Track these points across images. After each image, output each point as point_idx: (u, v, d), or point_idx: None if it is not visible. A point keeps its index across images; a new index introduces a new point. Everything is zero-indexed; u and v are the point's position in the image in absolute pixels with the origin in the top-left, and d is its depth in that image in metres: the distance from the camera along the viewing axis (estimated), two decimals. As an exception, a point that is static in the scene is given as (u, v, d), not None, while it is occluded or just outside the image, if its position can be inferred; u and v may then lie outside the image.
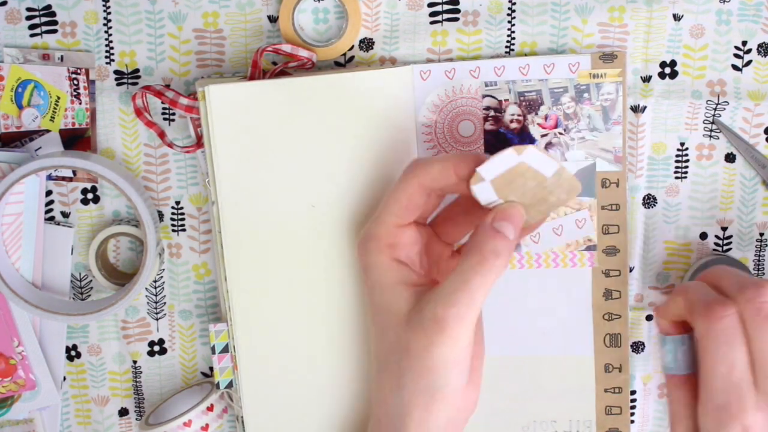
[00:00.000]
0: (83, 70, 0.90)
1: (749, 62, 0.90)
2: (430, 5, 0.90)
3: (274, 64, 0.90)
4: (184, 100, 0.88)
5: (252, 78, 0.88)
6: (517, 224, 0.75)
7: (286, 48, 0.87)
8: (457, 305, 0.73)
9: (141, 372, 0.96)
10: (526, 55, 0.90)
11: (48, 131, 0.91)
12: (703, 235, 0.92)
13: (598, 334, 0.92)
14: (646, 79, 0.90)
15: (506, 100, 0.89)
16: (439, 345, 0.73)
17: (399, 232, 0.79)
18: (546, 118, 0.89)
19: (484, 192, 0.76)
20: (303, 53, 0.88)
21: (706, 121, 0.90)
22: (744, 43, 0.90)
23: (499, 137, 0.90)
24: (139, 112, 0.89)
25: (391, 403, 0.77)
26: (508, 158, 0.75)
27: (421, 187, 0.78)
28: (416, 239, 0.81)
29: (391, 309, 0.78)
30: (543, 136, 0.89)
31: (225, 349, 0.91)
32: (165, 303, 0.95)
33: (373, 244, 0.79)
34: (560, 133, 0.89)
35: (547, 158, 0.74)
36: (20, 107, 0.91)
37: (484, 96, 0.89)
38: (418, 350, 0.74)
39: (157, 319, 0.95)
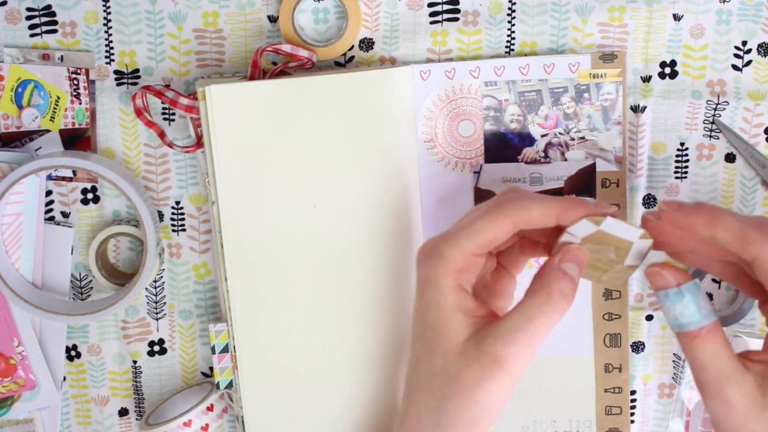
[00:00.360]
0: (83, 70, 0.90)
1: (749, 62, 0.90)
2: (430, 5, 0.90)
3: (274, 64, 0.90)
4: (184, 100, 0.88)
5: (252, 78, 0.88)
6: (581, 267, 0.75)
7: (286, 48, 0.87)
8: (517, 344, 0.72)
9: (141, 372, 0.96)
10: (526, 55, 0.90)
11: (48, 131, 0.91)
12: (703, 236, 0.92)
13: (598, 334, 0.92)
14: (646, 79, 0.90)
15: (506, 100, 0.89)
16: (493, 381, 0.72)
17: (471, 261, 0.76)
18: (546, 118, 0.89)
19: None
20: (303, 53, 0.88)
21: (706, 121, 0.91)
22: (744, 43, 0.90)
23: (499, 137, 0.90)
24: (139, 112, 0.89)
25: (425, 422, 0.76)
26: (606, 225, 0.73)
27: (514, 226, 0.75)
28: (481, 268, 0.79)
29: (445, 334, 0.75)
30: (543, 136, 0.90)
31: (225, 349, 0.91)
32: (165, 303, 0.95)
33: (442, 264, 0.75)
34: (560, 133, 0.89)
35: (633, 229, 0.73)
36: (20, 107, 0.91)
37: (484, 96, 0.89)
38: (469, 382, 0.73)
39: (157, 319, 0.95)
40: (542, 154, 0.90)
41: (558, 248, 0.75)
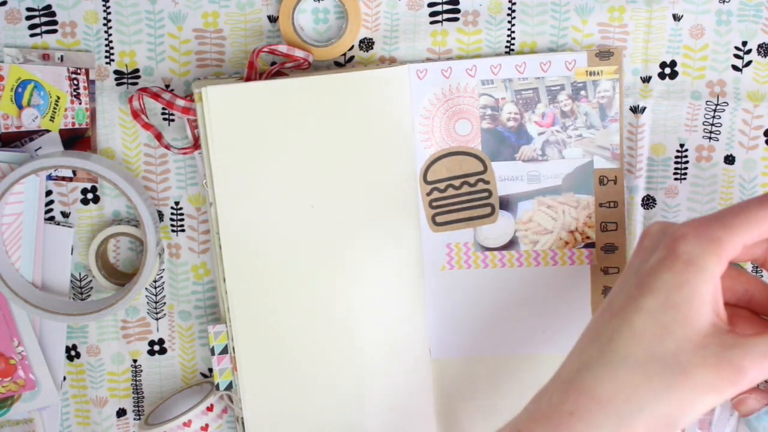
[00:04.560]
0: (83, 70, 0.91)
1: (749, 62, 0.90)
2: (430, 5, 0.90)
3: (273, 64, 0.90)
4: (180, 102, 0.88)
5: (249, 79, 0.88)
6: None
7: (282, 48, 0.87)
8: (763, 369, 0.66)
9: (141, 371, 0.96)
10: (524, 53, 0.90)
11: (48, 131, 0.92)
12: (703, 236, 0.92)
13: (597, 334, 0.92)
14: (646, 80, 0.90)
15: (503, 99, 0.89)
16: (719, 392, 0.67)
17: (738, 253, 0.70)
18: (543, 116, 0.89)
19: None
20: (299, 53, 0.88)
21: (705, 123, 0.90)
22: (744, 43, 0.90)
23: (497, 135, 0.90)
24: (136, 114, 0.89)
25: (622, 405, 0.68)
26: None
27: None
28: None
29: (691, 320, 0.68)
30: (540, 134, 0.90)
31: (224, 351, 0.91)
32: (165, 303, 0.95)
33: (715, 249, 0.69)
34: (557, 131, 0.89)
35: None
36: (20, 107, 0.91)
37: (481, 94, 0.89)
38: (697, 383, 0.67)
39: (157, 319, 0.95)
40: (540, 152, 0.90)
41: None
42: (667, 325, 0.68)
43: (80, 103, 0.91)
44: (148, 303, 0.95)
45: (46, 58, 0.91)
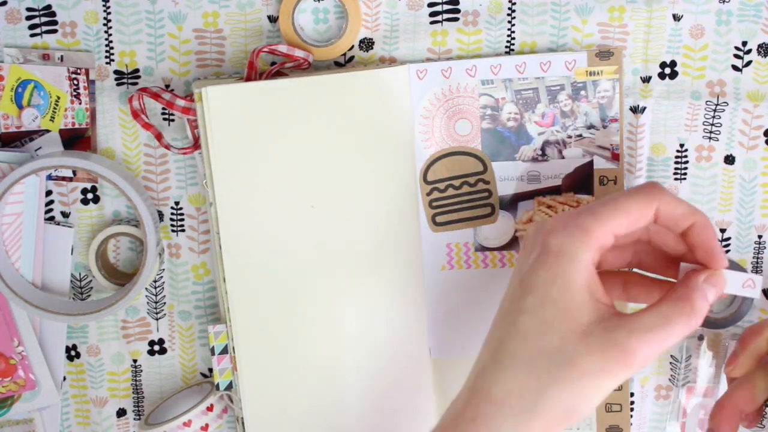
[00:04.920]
0: (83, 70, 0.91)
1: (749, 63, 0.90)
2: (430, 5, 0.90)
3: (273, 64, 0.90)
4: (180, 102, 0.88)
5: (249, 79, 0.88)
6: (719, 294, 0.73)
7: (282, 48, 0.87)
8: (651, 344, 0.68)
9: (141, 371, 0.96)
10: (523, 53, 0.90)
11: (48, 131, 0.92)
12: (703, 236, 0.92)
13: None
14: (646, 80, 0.90)
15: (503, 99, 0.89)
16: (612, 376, 0.68)
17: (609, 242, 0.73)
18: (543, 116, 0.89)
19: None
20: (299, 53, 0.88)
21: (705, 123, 0.90)
22: (744, 43, 0.90)
23: (497, 136, 0.90)
24: (136, 114, 0.89)
25: (515, 405, 0.70)
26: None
27: (656, 213, 0.73)
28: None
29: (570, 312, 0.70)
30: (540, 134, 0.90)
31: (224, 351, 0.91)
32: (165, 303, 0.95)
33: (582, 237, 0.71)
34: (557, 131, 0.89)
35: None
36: (20, 107, 0.91)
37: (481, 94, 0.89)
38: (586, 370, 0.68)
39: (157, 319, 0.95)
40: (540, 152, 0.90)
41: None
42: (549, 321, 0.70)
43: (80, 103, 0.91)
44: (148, 303, 0.95)
45: (46, 58, 0.91)
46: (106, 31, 0.90)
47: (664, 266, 0.79)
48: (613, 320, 0.70)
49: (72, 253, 0.94)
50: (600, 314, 0.70)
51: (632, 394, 0.94)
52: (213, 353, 0.91)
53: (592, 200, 0.90)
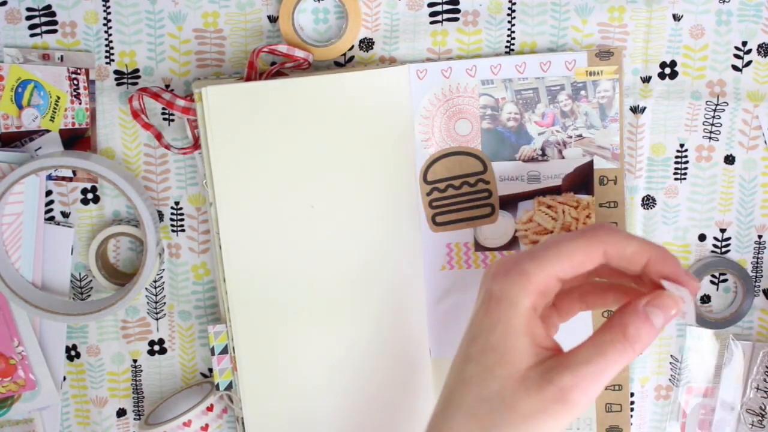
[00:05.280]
0: (83, 70, 0.91)
1: (749, 62, 0.90)
2: (430, 5, 0.90)
3: (273, 64, 0.90)
4: (180, 102, 0.88)
5: (249, 79, 0.88)
6: (667, 316, 0.71)
7: (282, 48, 0.87)
8: (586, 378, 0.68)
9: (141, 371, 0.96)
10: (523, 53, 0.90)
11: (48, 131, 0.92)
12: (702, 237, 0.92)
13: (597, 333, 0.92)
14: (646, 80, 0.90)
15: (503, 99, 0.89)
16: (551, 416, 0.68)
17: (552, 286, 0.73)
18: (543, 116, 0.89)
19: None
20: (299, 53, 0.88)
21: (705, 123, 0.90)
22: (744, 43, 0.90)
23: (497, 136, 0.90)
24: (135, 114, 0.89)
25: None
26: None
27: (604, 256, 0.72)
28: (552, 298, 0.76)
29: (509, 357, 0.70)
30: (540, 134, 0.90)
31: (224, 351, 0.91)
32: (165, 303, 0.95)
33: (522, 282, 0.71)
34: (557, 131, 0.89)
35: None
36: (20, 107, 0.91)
37: (481, 94, 0.89)
38: (525, 414, 0.68)
39: (157, 319, 0.95)
40: (540, 152, 0.90)
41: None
42: (490, 367, 0.71)
43: (80, 103, 0.91)
44: (148, 303, 0.95)
45: (46, 58, 0.91)
46: (106, 31, 0.90)
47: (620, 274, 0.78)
48: (551, 361, 0.70)
49: (72, 253, 0.94)
50: (539, 358, 0.70)
51: (632, 394, 0.94)
52: (213, 353, 0.91)
53: (592, 201, 0.90)
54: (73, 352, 0.96)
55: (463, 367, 0.73)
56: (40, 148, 0.92)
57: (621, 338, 0.69)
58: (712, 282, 0.93)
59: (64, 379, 0.96)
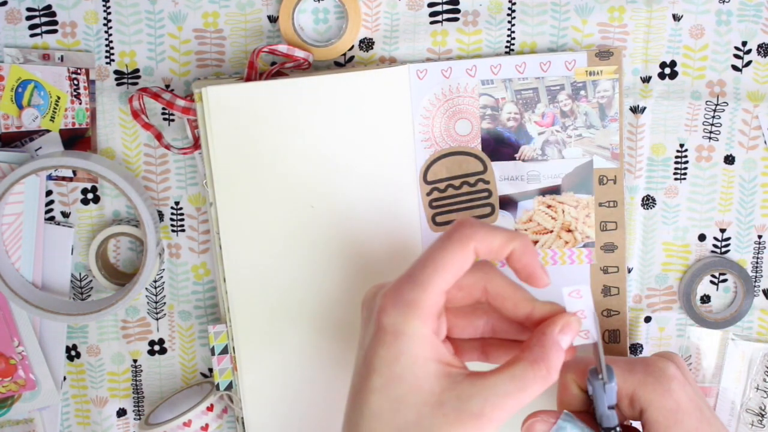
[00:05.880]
0: (83, 70, 0.91)
1: (749, 62, 0.90)
2: (430, 5, 0.90)
3: (273, 64, 0.90)
4: (180, 102, 0.88)
5: (249, 79, 0.88)
6: (574, 335, 0.72)
7: (282, 48, 0.87)
8: (506, 409, 0.68)
9: (141, 370, 0.96)
10: (523, 53, 0.90)
11: (48, 131, 0.92)
12: (702, 237, 0.92)
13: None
14: (646, 80, 0.90)
15: (503, 99, 0.89)
16: None
17: (441, 300, 0.72)
18: (543, 115, 0.89)
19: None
20: (299, 53, 0.88)
21: (705, 123, 0.90)
22: (744, 43, 0.90)
23: (497, 136, 0.90)
24: (136, 114, 0.89)
25: None
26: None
27: (476, 253, 0.72)
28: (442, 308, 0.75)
29: (420, 385, 0.69)
30: (540, 134, 0.90)
31: (224, 351, 0.91)
32: (165, 303, 0.95)
33: (414, 312, 0.69)
34: (557, 131, 0.89)
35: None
36: (20, 107, 0.91)
37: (481, 94, 0.89)
38: None
39: (157, 319, 0.95)
40: (539, 152, 0.90)
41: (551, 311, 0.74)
42: (400, 397, 0.69)
43: (80, 103, 0.91)
44: (148, 303, 0.95)
45: (46, 58, 0.91)
46: (106, 31, 0.90)
47: (518, 330, 0.78)
48: (466, 386, 0.69)
49: (72, 253, 0.94)
50: (451, 380, 0.69)
51: (632, 394, 0.94)
52: (213, 353, 0.91)
53: (591, 200, 0.90)
54: (73, 352, 0.96)
55: (368, 399, 0.71)
56: (40, 148, 0.92)
57: (545, 373, 0.69)
58: (712, 282, 0.93)
59: (64, 379, 0.97)
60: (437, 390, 0.69)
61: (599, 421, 0.75)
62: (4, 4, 0.90)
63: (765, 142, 0.91)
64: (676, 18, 0.89)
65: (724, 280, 0.93)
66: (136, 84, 0.91)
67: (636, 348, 0.93)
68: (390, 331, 0.70)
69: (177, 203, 0.93)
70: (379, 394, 0.70)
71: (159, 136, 0.90)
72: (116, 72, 0.91)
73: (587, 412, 0.78)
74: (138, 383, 0.97)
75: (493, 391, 0.68)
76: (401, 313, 0.70)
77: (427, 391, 0.69)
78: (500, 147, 0.90)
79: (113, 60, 0.91)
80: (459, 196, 0.91)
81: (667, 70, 0.90)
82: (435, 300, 0.70)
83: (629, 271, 0.92)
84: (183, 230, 0.93)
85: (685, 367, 0.80)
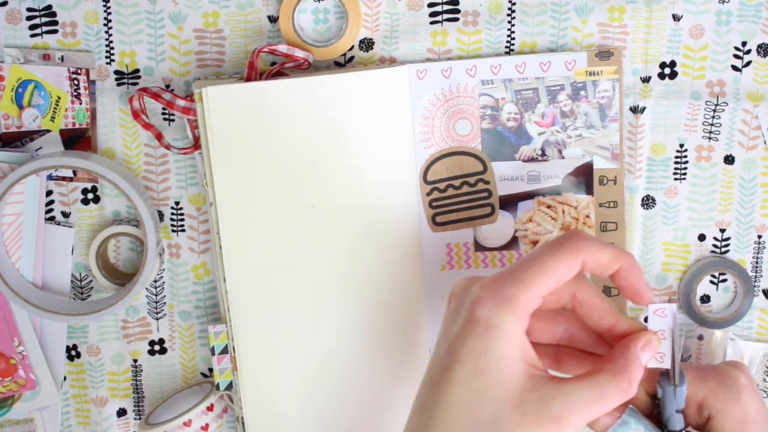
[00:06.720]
0: (83, 70, 0.91)
1: (749, 63, 0.90)
2: (430, 5, 0.90)
3: (273, 64, 0.90)
4: (181, 102, 0.88)
5: (249, 79, 0.88)
6: (654, 353, 0.74)
7: (282, 49, 0.87)
8: (584, 417, 0.68)
9: (141, 370, 0.96)
10: (523, 53, 0.90)
11: (48, 131, 0.92)
12: (702, 237, 0.92)
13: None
14: (646, 80, 0.90)
15: (503, 99, 0.89)
16: None
17: (537, 304, 0.72)
18: (543, 116, 0.89)
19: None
20: (299, 54, 0.88)
21: (705, 123, 0.90)
22: (744, 43, 0.90)
23: (497, 136, 0.90)
24: (136, 114, 0.89)
25: None
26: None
27: (583, 265, 0.72)
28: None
29: (504, 382, 0.69)
30: (540, 134, 0.90)
31: (224, 351, 0.91)
32: (165, 303, 0.95)
33: (511, 309, 0.70)
34: (557, 131, 0.89)
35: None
36: (21, 107, 0.91)
37: (481, 95, 0.89)
38: None
39: (157, 319, 0.95)
40: (540, 152, 0.90)
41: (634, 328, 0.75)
42: (481, 391, 0.69)
43: (81, 103, 0.91)
44: (148, 303, 0.95)
45: (46, 58, 0.91)
46: (106, 32, 0.90)
47: (595, 342, 0.79)
48: (548, 389, 0.69)
49: (72, 253, 0.94)
50: (534, 381, 0.70)
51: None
52: (213, 353, 0.91)
53: (591, 200, 0.90)
54: (73, 352, 0.96)
55: (448, 389, 0.71)
56: (40, 148, 0.92)
57: (626, 386, 0.70)
58: (711, 282, 0.93)
59: (65, 378, 0.97)
60: (519, 389, 0.69)
61: (665, 423, 0.75)
62: (5, 4, 0.90)
63: (765, 142, 0.91)
64: (676, 18, 0.89)
65: (724, 280, 0.93)
66: (136, 84, 0.91)
67: (636, 348, 0.94)
68: (483, 323, 0.70)
69: (177, 203, 0.93)
70: (460, 386, 0.70)
71: (159, 136, 0.90)
72: (116, 72, 0.91)
73: (651, 415, 0.78)
74: (138, 383, 0.97)
75: (573, 397, 0.69)
76: (496, 307, 0.70)
77: (509, 389, 0.69)
78: (500, 147, 0.90)
79: (113, 60, 0.91)
80: (459, 196, 0.91)
81: (667, 70, 0.90)
82: (533, 301, 0.71)
83: (629, 271, 0.92)
84: (183, 230, 0.93)
85: (752, 378, 0.80)
